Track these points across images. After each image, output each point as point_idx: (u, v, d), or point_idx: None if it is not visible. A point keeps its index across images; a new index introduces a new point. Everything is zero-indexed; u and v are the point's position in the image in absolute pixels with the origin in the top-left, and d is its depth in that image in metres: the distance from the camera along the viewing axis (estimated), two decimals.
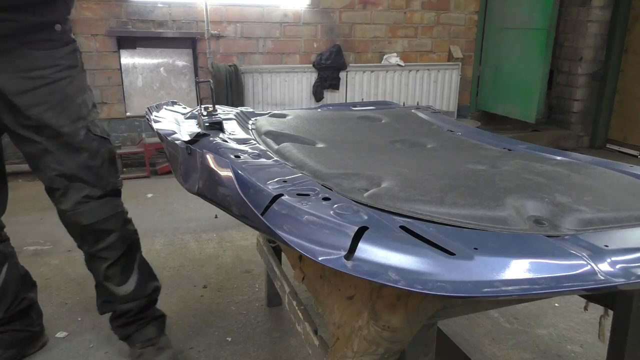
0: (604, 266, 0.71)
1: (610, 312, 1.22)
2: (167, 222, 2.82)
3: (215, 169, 0.99)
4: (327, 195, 0.88)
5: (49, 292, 2.10)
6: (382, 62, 4.40)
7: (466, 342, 1.80)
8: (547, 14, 3.90)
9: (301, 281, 1.14)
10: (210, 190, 1.01)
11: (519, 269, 0.68)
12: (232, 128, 1.46)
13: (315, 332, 1.17)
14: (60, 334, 1.82)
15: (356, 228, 0.73)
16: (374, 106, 2.09)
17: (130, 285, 1.62)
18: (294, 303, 1.32)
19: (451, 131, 1.67)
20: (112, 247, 1.55)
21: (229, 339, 1.80)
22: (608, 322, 1.23)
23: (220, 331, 1.85)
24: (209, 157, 1.02)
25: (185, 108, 1.81)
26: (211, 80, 1.56)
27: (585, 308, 1.42)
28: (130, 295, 1.62)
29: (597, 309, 1.32)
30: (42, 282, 2.18)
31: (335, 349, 0.86)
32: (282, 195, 0.86)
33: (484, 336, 1.85)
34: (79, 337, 1.82)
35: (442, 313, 0.88)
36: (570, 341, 1.82)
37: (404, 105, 2.18)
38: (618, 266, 0.71)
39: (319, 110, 2.00)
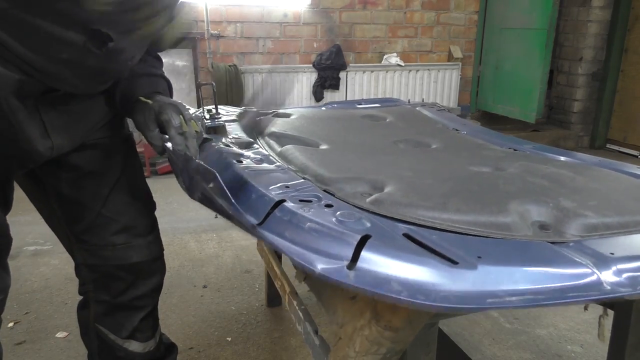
0: (609, 275, 0.68)
1: (610, 312, 1.21)
2: (167, 222, 2.82)
3: (208, 180, 0.97)
4: (329, 202, 0.88)
5: (49, 292, 2.10)
6: (382, 62, 4.40)
7: (466, 342, 1.80)
8: (547, 14, 3.90)
9: (302, 281, 1.14)
10: (208, 200, 1.00)
11: (522, 278, 0.66)
12: (236, 130, 1.45)
13: (316, 332, 1.17)
14: (60, 334, 1.82)
15: (359, 236, 0.71)
16: (379, 103, 2.07)
17: (155, 340, 1.34)
18: (294, 303, 1.32)
19: (456, 130, 1.65)
20: (153, 291, 1.28)
21: (229, 339, 1.80)
22: (608, 322, 1.23)
23: (220, 331, 1.85)
24: (201, 167, 1.01)
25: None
26: (214, 83, 1.54)
27: (585, 308, 1.42)
28: (151, 354, 1.33)
29: (597, 309, 1.32)
30: (42, 282, 2.18)
31: (337, 348, 0.86)
32: (284, 201, 0.85)
33: (484, 336, 1.85)
34: (79, 337, 1.82)
35: (443, 313, 0.88)
36: (570, 341, 1.82)
37: (409, 102, 2.15)
38: (624, 275, 0.68)
39: (323, 108, 1.98)
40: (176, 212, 2.98)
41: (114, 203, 1.17)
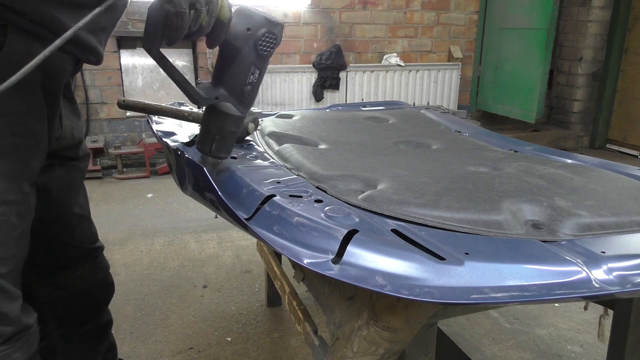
0: (599, 273, 0.68)
1: (610, 312, 1.22)
2: (167, 222, 2.82)
3: (196, 173, 0.97)
4: (319, 197, 0.88)
5: None
6: (382, 62, 4.40)
7: (466, 342, 1.80)
8: (547, 14, 3.90)
9: (301, 281, 1.14)
10: (199, 194, 1.01)
11: (509, 275, 0.66)
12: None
13: (315, 332, 1.17)
14: None
15: (345, 231, 0.72)
16: (383, 106, 2.08)
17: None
18: (294, 303, 1.32)
19: (459, 132, 1.65)
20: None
21: (229, 339, 1.80)
22: (608, 322, 1.23)
23: (220, 331, 1.85)
24: (189, 160, 1.01)
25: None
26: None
27: (585, 308, 1.42)
28: None
29: (597, 309, 1.32)
30: None
31: (335, 348, 0.86)
32: (274, 195, 0.86)
33: (484, 336, 1.85)
34: None
35: (442, 313, 0.88)
36: (570, 341, 1.82)
37: (414, 105, 2.15)
38: (614, 273, 0.69)
39: (327, 110, 1.99)
40: (176, 212, 2.98)
41: (81, 227, 1.14)
